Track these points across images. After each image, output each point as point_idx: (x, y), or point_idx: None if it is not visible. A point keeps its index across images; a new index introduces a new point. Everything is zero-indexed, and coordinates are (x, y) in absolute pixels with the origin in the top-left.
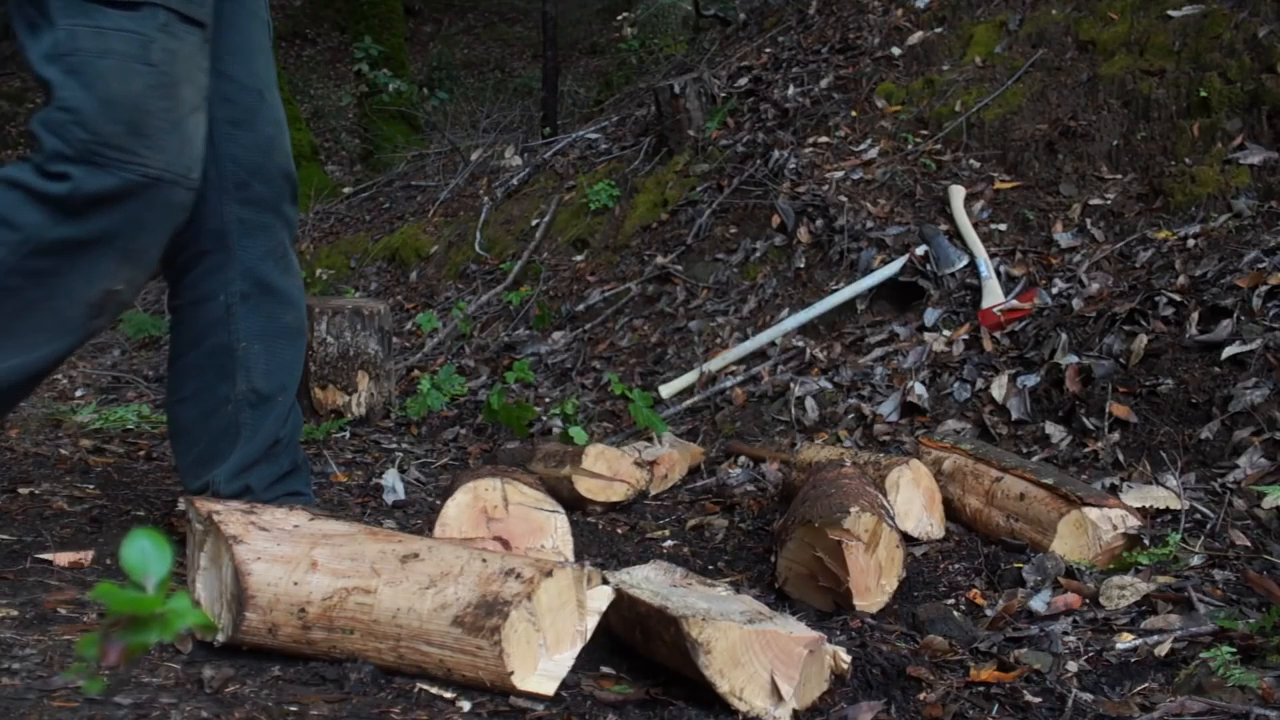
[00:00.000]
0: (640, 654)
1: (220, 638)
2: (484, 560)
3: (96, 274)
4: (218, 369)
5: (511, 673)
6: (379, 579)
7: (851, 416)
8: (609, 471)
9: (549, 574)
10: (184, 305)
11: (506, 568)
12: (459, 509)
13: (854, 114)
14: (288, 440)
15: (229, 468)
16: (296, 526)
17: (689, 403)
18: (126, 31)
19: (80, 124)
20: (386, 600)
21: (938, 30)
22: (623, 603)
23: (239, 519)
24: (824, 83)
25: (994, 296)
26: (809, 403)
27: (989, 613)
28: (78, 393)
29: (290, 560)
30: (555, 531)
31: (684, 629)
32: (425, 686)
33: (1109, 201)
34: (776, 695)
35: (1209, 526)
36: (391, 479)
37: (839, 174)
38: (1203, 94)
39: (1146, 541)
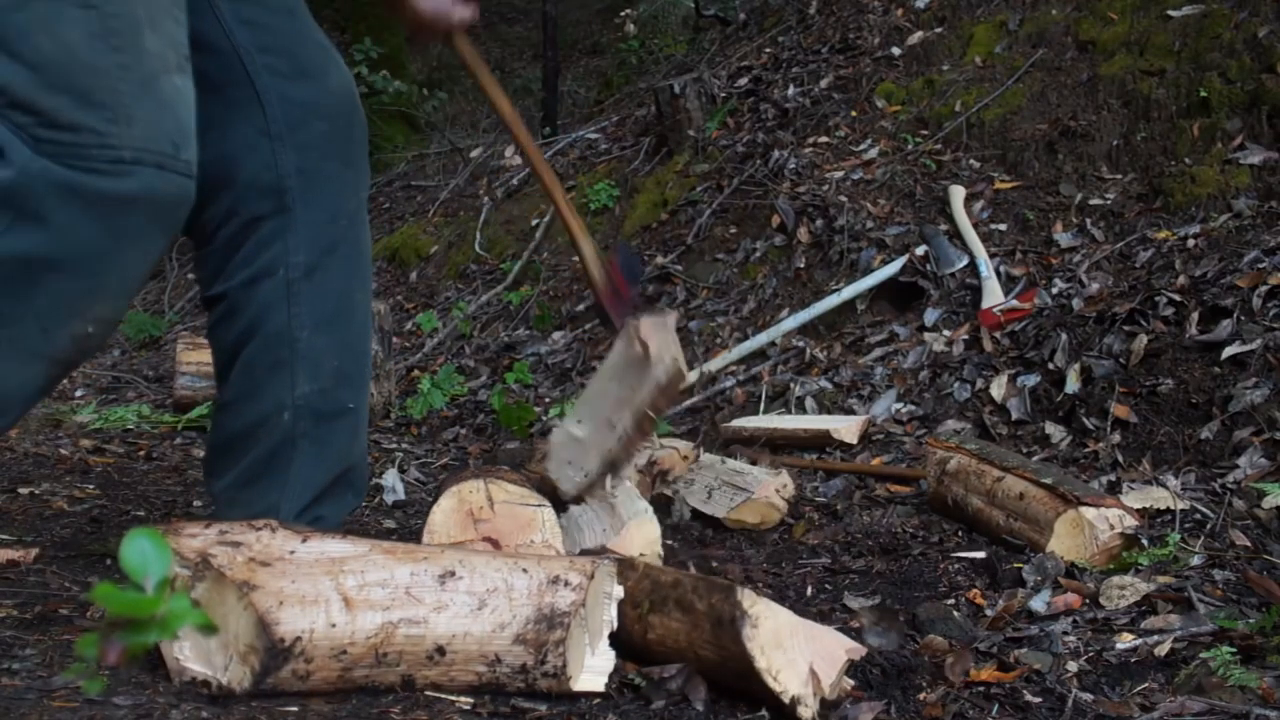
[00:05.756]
0: (635, 639)
1: (236, 688)
2: (524, 570)
3: (60, 311)
4: (272, 364)
5: (570, 678)
6: (423, 606)
7: None
8: None
9: (591, 577)
10: (233, 289)
11: (551, 575)
12: (444, 514)
13: (854, 114)
14: (360, 461)
15: (295, 497)
16: (293, 553)
17: (689, 403)
18: None
19: (12, 103)
20: (441, 628)
21: (938, 30)
22: (635, 572)
23: (240, 561)
24: (824, 83)
25: (994, 296)
26: (809, 403)
27: (989, 613)
28: (78, 393)
29: (316, 600)
30: (544, 525)
31: (736, 596)
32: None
33: (1109, 201)
34: (812, 684)
35: (1209, 526)
36: (391, 479)
37: (839, 174)
38: (1203, 94)
39: (1146, 541)
